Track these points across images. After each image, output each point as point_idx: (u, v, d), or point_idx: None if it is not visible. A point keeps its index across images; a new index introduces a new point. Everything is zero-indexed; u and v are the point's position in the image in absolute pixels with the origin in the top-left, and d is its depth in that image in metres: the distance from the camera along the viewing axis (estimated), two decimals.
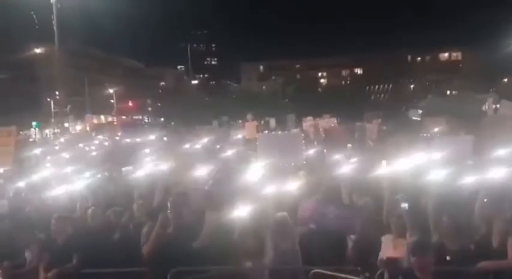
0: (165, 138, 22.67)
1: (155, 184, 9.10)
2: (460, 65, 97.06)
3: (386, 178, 7.87)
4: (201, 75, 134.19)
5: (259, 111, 41.34)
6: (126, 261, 6.84)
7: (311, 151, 12.67)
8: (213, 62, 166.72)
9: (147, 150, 15.64)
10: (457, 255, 5.95)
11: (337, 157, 10.99)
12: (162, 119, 72.38)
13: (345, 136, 16.62)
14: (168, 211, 7.11)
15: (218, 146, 16.09)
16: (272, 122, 23.88)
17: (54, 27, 44.75)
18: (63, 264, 6.76)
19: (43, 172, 11.77)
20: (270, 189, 7.57)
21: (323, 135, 17.41)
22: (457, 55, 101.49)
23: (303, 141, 8.36)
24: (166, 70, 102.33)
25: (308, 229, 7.32)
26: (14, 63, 59.95)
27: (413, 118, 25.51)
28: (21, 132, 35.14)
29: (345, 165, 9.35)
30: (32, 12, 54.57)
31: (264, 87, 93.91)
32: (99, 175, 11.09)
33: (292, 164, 8.82)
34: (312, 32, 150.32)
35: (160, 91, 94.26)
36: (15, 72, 59.62)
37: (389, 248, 6.55)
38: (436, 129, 17.32)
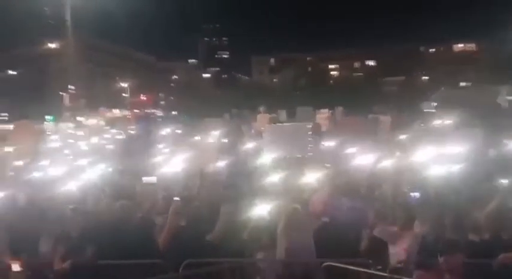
0: (179, 131, 22.76)
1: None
2: (475, 56, 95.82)
3: (395, 171, 7.86)
4: (213, 69, 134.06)
5: (271, 103, 41.20)
6: (139, 253, 6.90)
7: (327, 144, 12.63)
8: (224, 56, 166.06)
9: (161, 145, 15.73)
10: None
11: (351, 149, 10.96)
12: (175, 112, 72.48)
13: (359, 129, 16.49)
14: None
15: (225, 140, 16.08)
16: (282, 114, 23.70)
17: (68, 22, 45.08)
18: (78, 256, 6.83)
19: (58, 165, 11.89)
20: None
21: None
22: (471, 46, 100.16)
23: (310, 133, 8.30)
24: (178, 64, 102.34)
25: (321, 222, 7.30)
26: (28, 57, 60.53)
27: (427, 110, 25.26)
28: (36, 126, 35.46)
29: (359, 157, 9.33)
30: (46, 8, 55.01)
31: (275, 80, 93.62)
32: (110, 169, 11.17)
33: (299, 156, 8.81)
34: (323, 24, 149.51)
35: (172, 85, 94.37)
36: (29, 67, 60.18)
37: (396, 241, 6.52)
38: (449, 121, 17.11)
